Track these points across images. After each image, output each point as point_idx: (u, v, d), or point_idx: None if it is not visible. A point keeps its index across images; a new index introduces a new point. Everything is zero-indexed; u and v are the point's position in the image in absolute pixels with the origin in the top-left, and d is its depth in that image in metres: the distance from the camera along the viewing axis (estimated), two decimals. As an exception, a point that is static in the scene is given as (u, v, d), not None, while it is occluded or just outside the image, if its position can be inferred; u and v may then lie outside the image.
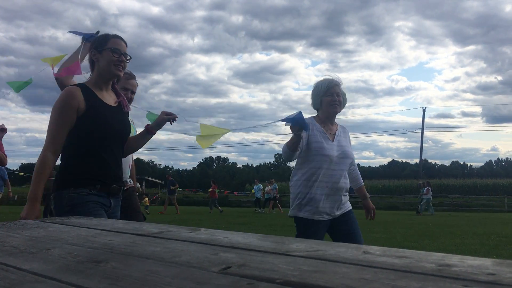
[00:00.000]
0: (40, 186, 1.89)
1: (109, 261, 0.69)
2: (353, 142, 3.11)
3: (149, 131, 2.31)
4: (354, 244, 0.71)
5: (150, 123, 2.40)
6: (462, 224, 10.91)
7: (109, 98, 2.13)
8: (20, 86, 3.26)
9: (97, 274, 0.62)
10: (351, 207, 2.81)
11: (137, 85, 2.85)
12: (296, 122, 2.31)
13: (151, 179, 39.33)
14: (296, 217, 2.69)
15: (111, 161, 2.06)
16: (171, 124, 2.32)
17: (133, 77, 3.02)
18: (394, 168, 74.06)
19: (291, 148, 2.53)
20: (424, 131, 31.69)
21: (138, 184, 20.03)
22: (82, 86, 2.04)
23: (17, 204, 21.26)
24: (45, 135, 2.00)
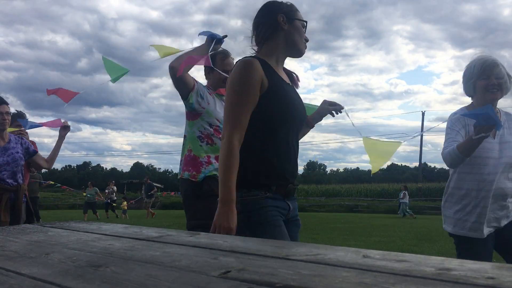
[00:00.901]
0: (232, 182, 1.50)
1: (108, 265, 0.69)
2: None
3: (309, 123, 1.93)
4: (354, 248, 0.72)
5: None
6: (462, 228, 10.88)
7: (284, 75, 1.75)
8: (116, 75, 2.90)
9: (96, 279, 0.62)
10: None
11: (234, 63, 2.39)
12: (488, 119, 1.71)
13: (150, 182, 39.29)
14: (456, 236, 2.21)
15: (290, 154, 1.66)
16: (333, 116, 1.95)
17: (229, 55, 2.64)
18: (394, 172, 73.96)
19: (465, 152, 1.98)
20: (424, 134, 31.74)
21: (114, 187, 19.62)
22: (258, 58, 1.64)
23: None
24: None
